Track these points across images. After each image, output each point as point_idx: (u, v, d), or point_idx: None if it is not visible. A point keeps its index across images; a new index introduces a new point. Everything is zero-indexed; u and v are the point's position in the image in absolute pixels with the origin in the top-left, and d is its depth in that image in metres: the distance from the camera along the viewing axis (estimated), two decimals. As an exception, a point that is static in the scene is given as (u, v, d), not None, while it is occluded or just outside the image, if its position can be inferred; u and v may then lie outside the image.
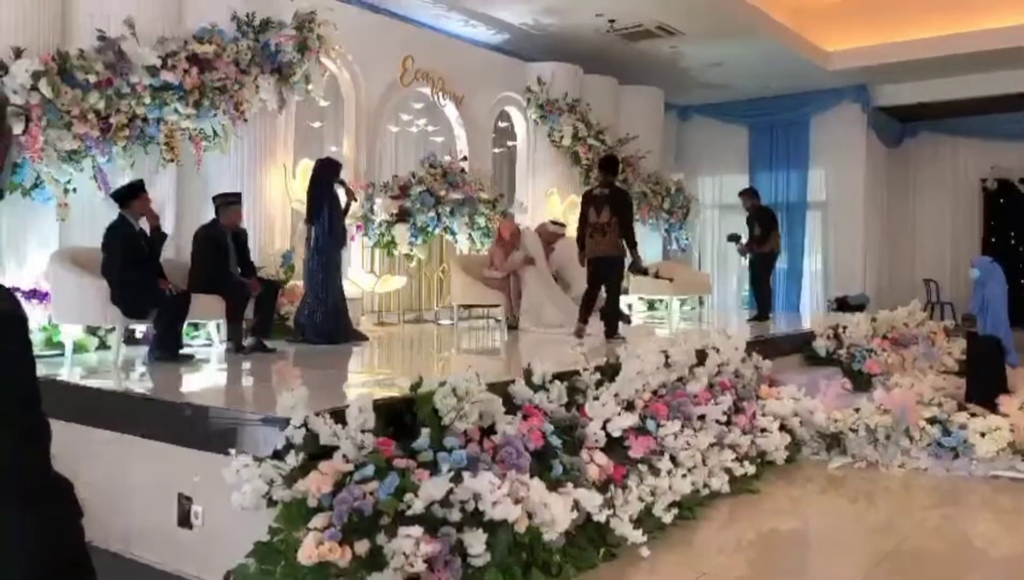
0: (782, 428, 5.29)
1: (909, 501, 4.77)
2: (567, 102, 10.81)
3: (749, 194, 10.17)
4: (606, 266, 7.28)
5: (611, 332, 7.15)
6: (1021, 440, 5.14)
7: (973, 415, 5.42)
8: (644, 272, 7.99)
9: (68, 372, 5.10)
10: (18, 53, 5.70)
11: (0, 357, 1.11)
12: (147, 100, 6.12)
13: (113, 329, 5.63)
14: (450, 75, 9.74)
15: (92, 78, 5.86)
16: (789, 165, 13.87)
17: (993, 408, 5.49)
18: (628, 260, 7.43)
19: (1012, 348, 6.34)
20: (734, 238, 10.03)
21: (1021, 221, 14.02)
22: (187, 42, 6.45)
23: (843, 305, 12.25)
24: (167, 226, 6.70)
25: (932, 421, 5.40)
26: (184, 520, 3.48)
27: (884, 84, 12.98)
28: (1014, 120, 13.14)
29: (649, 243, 12.24)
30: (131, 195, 5.57)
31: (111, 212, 5.63)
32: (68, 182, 5.93)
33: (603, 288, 7.35)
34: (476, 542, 2.87)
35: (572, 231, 10.16)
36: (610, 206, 7.22)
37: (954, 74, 12.03)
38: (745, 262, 10.44)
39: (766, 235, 9.77)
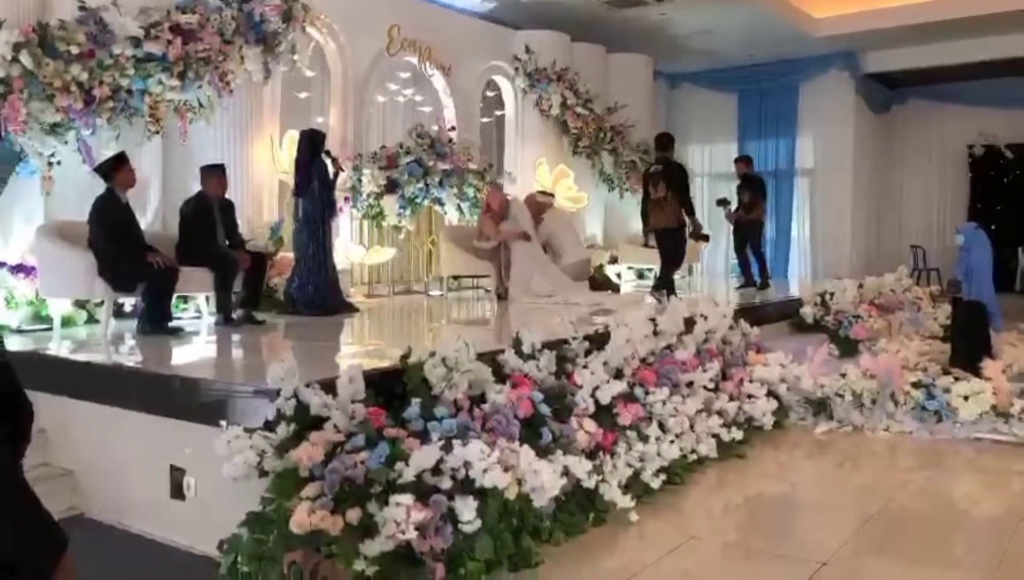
0: (769, 394, 5.35)
1: (894, 464, 4.84)
2: (555, 71, 10.75)
3: (743, 161, 10.25)
4: (665, 236, 8.08)
5: (661, 287, 7.96)
6: (1003, 403, 5.21)
7: (957, 379, 5.49)
8: (705, 238, 8.86)
9: (57, 346, 5.10)
10: (-2, 24, 5.63)
11: None
12: (130, 71, 6.05)
13: (101, 302, 5.63)
14: (437, 44, 9.66)
15: (74, 49, 5.78)
16: (778, 132, 13.87)
17: (977, 372, 5.56)
18: (689, 228, 8.16)
19: (997, 312, 6.39)
20: (723, 203, 10.06)
21: (1007, 187, 14.08)
22: (170, 12, 6.37)
23: None
24: (152, 198, 6.67)
25: (917, 385, 5.46)
26: (177, 491, 3.50)
27: (872, 50, 12.96)
28: (1001, 86, 13.16)
29: (638, 212, 12.23)
30: (114, 167, 5.54)
31: (96, 185, 5.60)
32: (52, 155, 5.87)
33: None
34: (467, 509, 2.90)
35: (561, 201, 10.19)
36: (664, 181, 7.95)
37: (942, 40, 12.01)
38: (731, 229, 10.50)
39: (753, 203, 9.83)
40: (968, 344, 6.04)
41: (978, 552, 3.51)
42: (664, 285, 8.05)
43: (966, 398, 5.25)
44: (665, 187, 7.94)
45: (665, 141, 8.41)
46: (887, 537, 3.56)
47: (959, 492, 4.42)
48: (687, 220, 8.03)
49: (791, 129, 13.78)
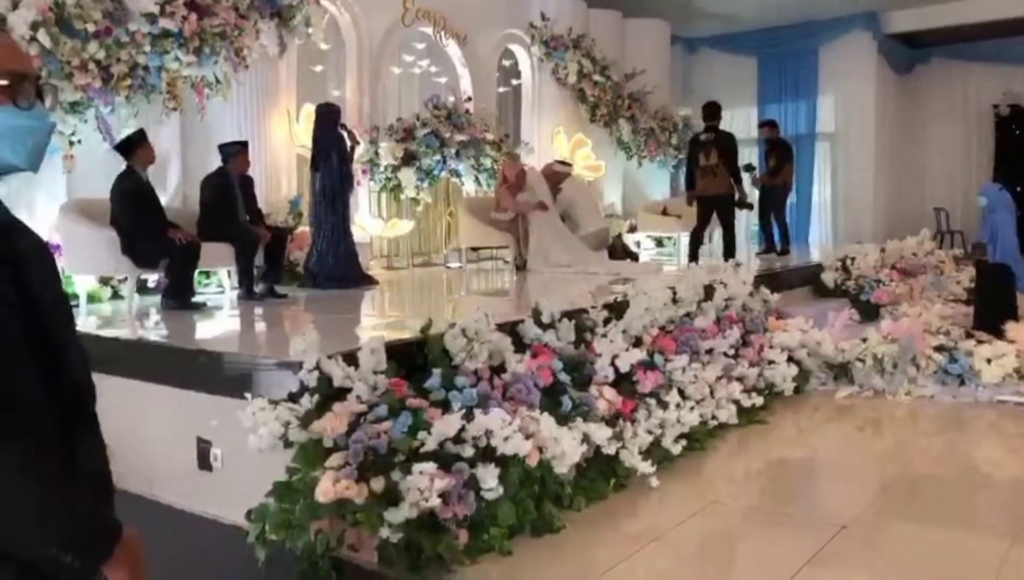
0: (790, 360, 5.33)
1: (915, 428, 4.84)
2: (571, 38, 10.65)
3: (768, 125, 10.16)
4: (720, 203, 8.43)
5: (730, 254, 8.06)
6: (1027, 365, 5.18)
7: (980, 342, 5.45)
8: (749, 206, 9.13)
9: (83, 322, 5.17)
10: (15, 4, 5.65)
11: (56, 282, 1.22)
12: (147, 48, 6.07)
13: (125, 279, 5.70)
14: (452, 13, 9.59)
15: (90, 27, 5.80)
16: (798, 96, 13.70)
17: (1000, 335, 5.51)
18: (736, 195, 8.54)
19: (1022, 273, 6.30)
20: (749, 168, 9.99)
21: (1034, 147, 13.85)
22: (184, -13, 6.37)
23: None
24: (172, 175, 6.72)
25: (939, 349, 5.43)
26: (204, 463, 3.57)
27: (894, 10, 12.71)
28: (1027, 43, 12.88)
29: (657, 180, 12.18)
30: (134, 145, 5.59)
31: (117, 162, 5.65)
32: (72, 134, 5.92)
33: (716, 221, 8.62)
34: (489, 477, 2.94)
35: (579, 170, 10.14)
36: (716, 149, 8.30)
37: (966, -3, 11.78)
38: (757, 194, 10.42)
39: (779, 167, 9.76)
40: (994, 307, 5.99)
41: (1000, 515, 3.52)
42: (733, 251, 8.32)
43: (989, 361, 5.21)
44: (718, 155, 8.27)
45: (714, 110, 8.63)
46: (908, 501, 3.57)
47: (981, 455, 4.41)
48: (735, 188, 8.43)
49: (812, 92, 13.59)
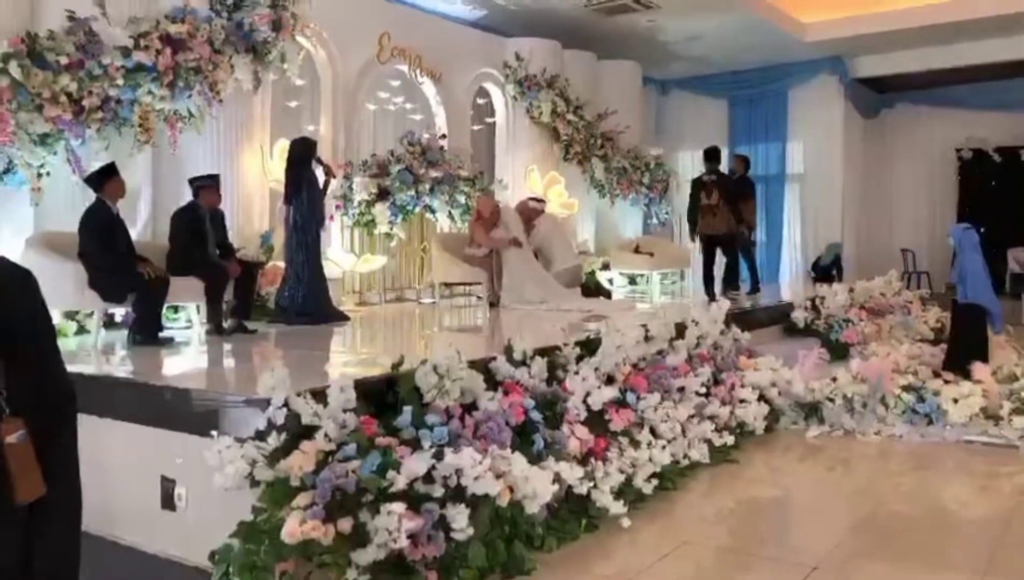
0: (761, 398, 5.36)
1: (885, 467, 4.86)
2: (545, 78, 10.76)
3: (741, 160, 10.28)
4: (722, 239, 9.03)
5: (728, 288, 8.89)
6: (993, 405, 5.24)
7: (947, 382, 5.51)
8: (752, 244, 9.83)
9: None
10: (-14, 35, 5.62)
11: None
12: (120, 81, 6.05)
13: (92, 313, 5.61)
14: (427, 52, 9.68)
15: (63, 60, 5.78)
16: (768, 138, 13.94)
17: (967, 375, 5.58)
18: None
19: (999, 314, 6.33)
20: None
21: (995, 190, 14.17)
22: (159, 22, 6.36)
23: (816, 270, 12.64)
24: (142, 208, 6.66)
25: (907, 389, 5.49)
26: (167, 502, 3.49)
27: (861, 55, 13.03)
28: (989, 89, 13.25)
29: (629, 218, 12.27)
30: (104, 178, 5.54)
31: (86, 195, 5.59)
32: (41, 166, 5.86)
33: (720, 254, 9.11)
34: (459, 517, 2.91)
35: (552, 207, 10.20)
36: (718, 190, 8.88)
37: (930, 44, 12.10)
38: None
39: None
40: (964, 347, 6.03)
41: (968, 554, 3.53)
42: (736, 281, 8.99)
43: (956, 401, 5.27)
44: (719, 196, 8.83)
45: (715, 153, 9.19)
46: (879, 540, 3.57)
47: (949, 494, 4.44)
48: (735, 226, 9.02)
49: (781, 134, 13.84)
